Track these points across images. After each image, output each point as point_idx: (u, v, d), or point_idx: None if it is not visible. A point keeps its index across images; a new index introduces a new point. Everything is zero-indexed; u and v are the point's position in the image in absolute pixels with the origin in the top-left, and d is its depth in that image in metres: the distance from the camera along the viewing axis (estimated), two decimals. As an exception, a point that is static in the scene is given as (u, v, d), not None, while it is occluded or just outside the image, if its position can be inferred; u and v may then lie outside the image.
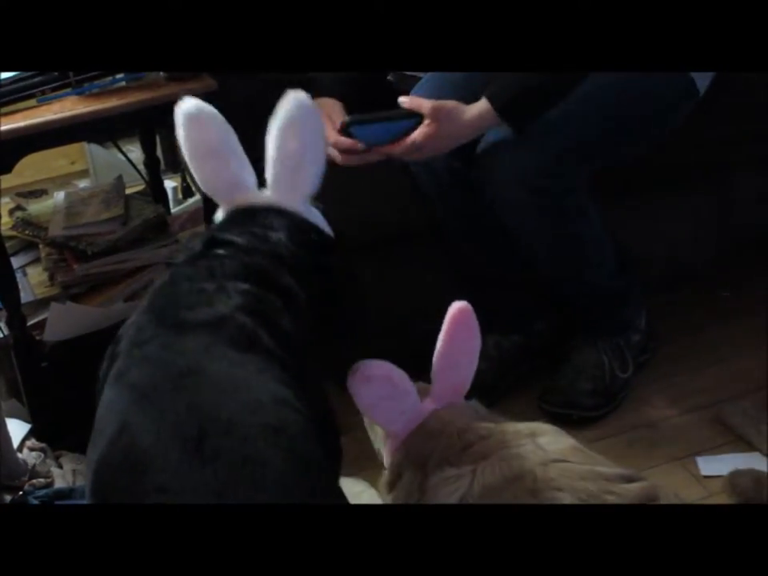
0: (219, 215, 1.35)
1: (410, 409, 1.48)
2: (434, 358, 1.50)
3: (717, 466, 1.81)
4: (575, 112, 1.74)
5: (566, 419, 1.93)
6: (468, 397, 1.85)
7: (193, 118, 1.28)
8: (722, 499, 1.73)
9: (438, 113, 1.65)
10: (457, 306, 1.48)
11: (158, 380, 1.03)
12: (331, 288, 1.32)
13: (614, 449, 1.87)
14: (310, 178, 1.32)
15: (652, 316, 2.10)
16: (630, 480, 1.34)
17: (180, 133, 1.30)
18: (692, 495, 1.74)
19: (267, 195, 1.33)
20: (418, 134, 1.65)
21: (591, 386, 1.98)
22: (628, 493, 1.30)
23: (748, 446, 1.85)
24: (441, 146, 1.70)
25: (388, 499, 1.51)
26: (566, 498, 1.29)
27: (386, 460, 1.54)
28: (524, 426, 1.46)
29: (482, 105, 1.68)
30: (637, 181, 2.06)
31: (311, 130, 1.29)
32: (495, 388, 2.02)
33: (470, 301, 1.47)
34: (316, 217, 1.35)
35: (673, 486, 1.67)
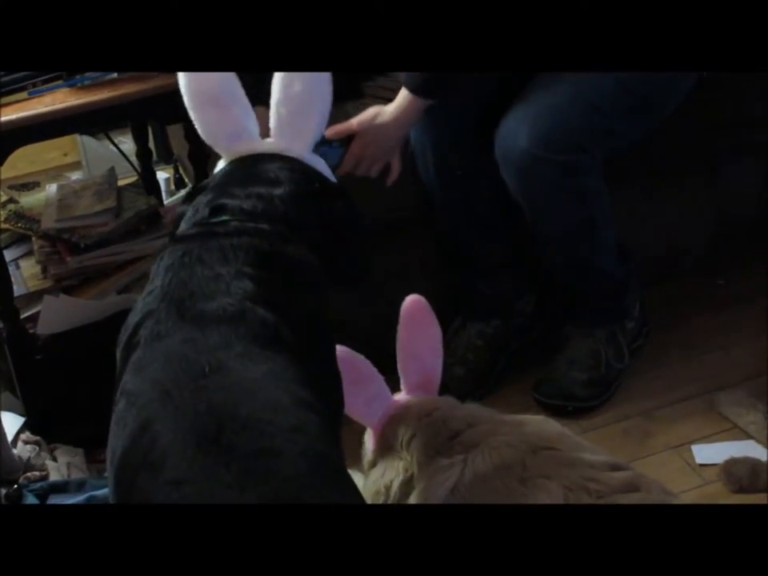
0: (220, 166, 1.34)
1: (376, 396, 1.48)
2: (397, 352, 1.51)
3: (712, 454, 1.81)
4: (588, 86, 1.76)
5: (562, 410, 1.93)
6: (463, 389, 1.85)
7: None
8: (718, 487, 1.73)
9: (364, 122, 1.70)
10: (410, 299, 1.50)
11: (181, 377, 1.02)
12: (340, 238, 1.32)
13: (609, 438, 1.88)
14: (315, 122, 1.33)
15: (646, 304, 2.09)
16: (616, 468, 1.34)
17: (181, 82, 1.30)
18: (687, 483, 1.74)
19: (270, 143, 1.33)
20: (354, 147, 1.70)
21: (586, 377, 1.98)
22: (612, 481, 1.30)
23: (743, 434, 1.85)
24: (381, 149, 1.73)
25: (367, 482, 1.50)
26: (553, 486, 1.29)
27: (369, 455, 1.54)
28: (511, 417, 1.47)
29: (400, 94, 1.72)
30: (631, 169, 2.05)
31: (317, 73, 1.30)
32: (488, 376, 2.03)
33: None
34: (319, 164, 1.35)
35: (668, 475, 1.68)
